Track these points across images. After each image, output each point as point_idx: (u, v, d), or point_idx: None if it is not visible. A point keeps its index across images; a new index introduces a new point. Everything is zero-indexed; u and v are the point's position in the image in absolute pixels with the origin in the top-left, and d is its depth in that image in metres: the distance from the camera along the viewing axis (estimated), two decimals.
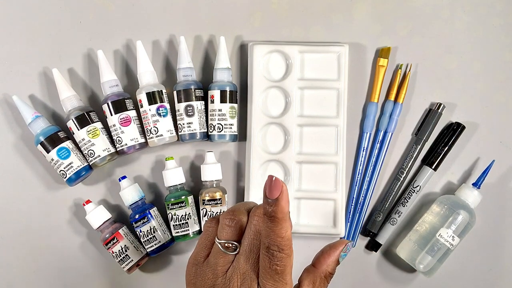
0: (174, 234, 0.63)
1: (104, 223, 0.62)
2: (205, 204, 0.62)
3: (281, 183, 0.39)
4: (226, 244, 0.42)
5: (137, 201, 0.63)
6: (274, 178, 0.39)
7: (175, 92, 0.63)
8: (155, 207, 0.63)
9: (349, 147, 0.66)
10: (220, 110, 0.62)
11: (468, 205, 0.62)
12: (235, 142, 0.65)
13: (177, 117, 0.63)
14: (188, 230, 0.62)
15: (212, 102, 0.63)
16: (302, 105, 0.65)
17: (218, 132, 0.63)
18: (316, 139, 0.65)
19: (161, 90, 0.62)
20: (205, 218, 0.62)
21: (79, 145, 0.63)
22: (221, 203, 0.62)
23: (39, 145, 0.62)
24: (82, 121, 0.62)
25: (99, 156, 0.62)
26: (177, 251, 0.66)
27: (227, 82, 0.63)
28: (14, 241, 0.66)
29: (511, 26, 0.66)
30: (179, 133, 0.63)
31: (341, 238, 0.65)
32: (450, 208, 0.62)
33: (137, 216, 0.62)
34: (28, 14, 0.66)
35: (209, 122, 0.63)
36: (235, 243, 0.42)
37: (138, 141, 0.62)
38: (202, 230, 0.45)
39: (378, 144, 0.66)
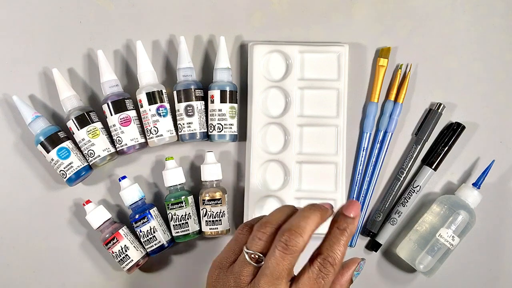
0: (174, 234, 0.63)
1: (104, 223, 0.62)
2: (205, 204, 0.62)
3: (359, 204, 0.43)
4: (253, 255, 0.42)
5: (137, 201, 0.63)
6: (353, 200, 0.44)
7: (175, 92, 0.63)
8: (155, 207, 0.63)
9: (349, 147, 0.66)
10: (220, 110, 0.62)
11: (468, 205, 0.62)
12: (235, 142, 0.65)
13: (177, 117, 0.63)
14: (188, 230, 0.62)
15: (212, 102, 0.63)
16: (302, 105, 0.65)
17: (218, 132, 0.63)
18: (316, 139, 0.65)
19: (161, 90, 0.62)
20: (205, 218, 0.62)
21: (79, 145, 0.63)
22: (221, 203, 0.62)
23: (39, 145, 0.62)
24: (82, 121, 0.62)
25: (99, 156, 0.62)
26: (177, 251, 0.66)
27: (227, 82, 0.63)
28: (14, 241, 0.66)
29: (511, 26, 0.66)
30: (179, 133, 0.63)
31: None
32: (450, 208, 0.62)
33: (137, 216, 0.62)
34: (28, 14, 0.66)
35: (209, 122, 0.63)
36: (262, 256, 0.42)
37: (138, 141, 0.62)
38: (234, 235, 0.46)
39: (378, 144, 0.66)
